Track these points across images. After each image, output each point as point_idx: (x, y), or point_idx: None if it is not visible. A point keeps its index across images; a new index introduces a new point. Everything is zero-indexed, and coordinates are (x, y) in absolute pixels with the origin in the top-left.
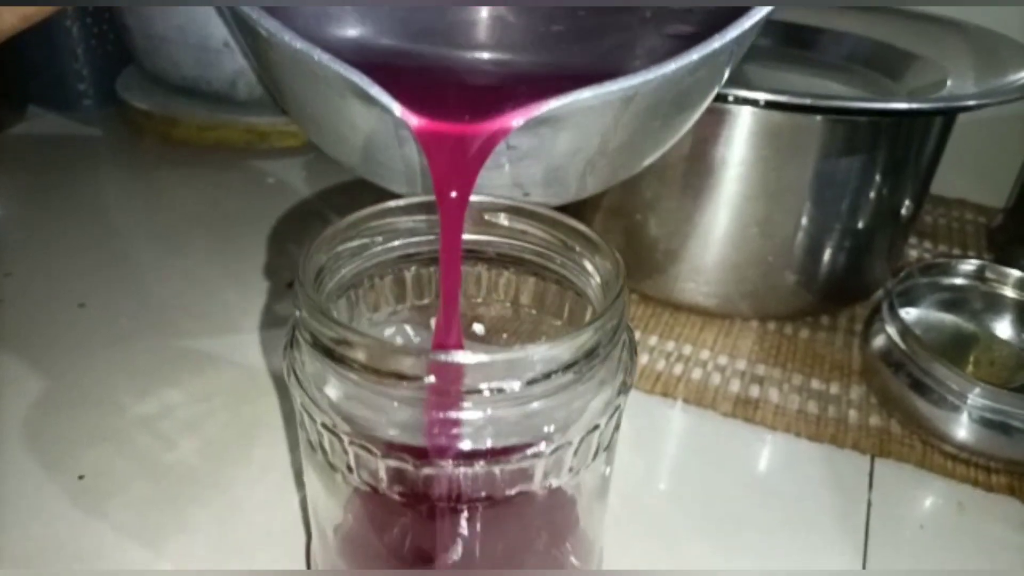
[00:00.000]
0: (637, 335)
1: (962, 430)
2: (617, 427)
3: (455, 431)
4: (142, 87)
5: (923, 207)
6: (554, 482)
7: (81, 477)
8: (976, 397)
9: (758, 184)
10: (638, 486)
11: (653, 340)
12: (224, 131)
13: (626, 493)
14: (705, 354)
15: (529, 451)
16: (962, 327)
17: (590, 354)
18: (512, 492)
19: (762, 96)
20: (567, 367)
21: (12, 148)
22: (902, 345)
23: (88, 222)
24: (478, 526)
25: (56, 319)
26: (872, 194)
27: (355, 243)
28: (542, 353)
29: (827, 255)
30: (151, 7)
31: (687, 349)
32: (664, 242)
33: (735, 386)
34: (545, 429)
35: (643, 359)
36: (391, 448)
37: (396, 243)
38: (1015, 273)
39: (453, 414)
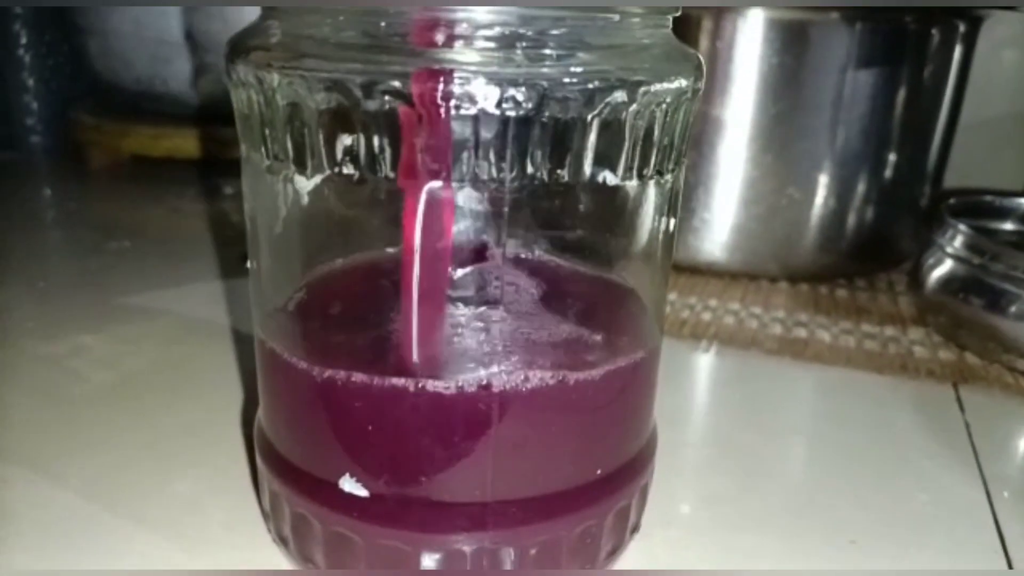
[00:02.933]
0: None
1: None
2: (687, 137)
3: None
4: (92, 106)
5: (952, 141)
6: (610, 178)
7: None
8: None
9: (777, 99)
10: (680, 433)
11: (672, 296)
12: (179, 140)
13: (675, 439)
14: (735, 305)
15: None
16: None
17: None
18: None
19: None
20: None
21: None
22: (971, 258)
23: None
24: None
25: None
26: (899, 115)
27: None
28: None
29: (856, 191)
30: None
31: (712, 302)
32: None
33: (776, 329)
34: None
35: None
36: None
37: None
38: None
39: None
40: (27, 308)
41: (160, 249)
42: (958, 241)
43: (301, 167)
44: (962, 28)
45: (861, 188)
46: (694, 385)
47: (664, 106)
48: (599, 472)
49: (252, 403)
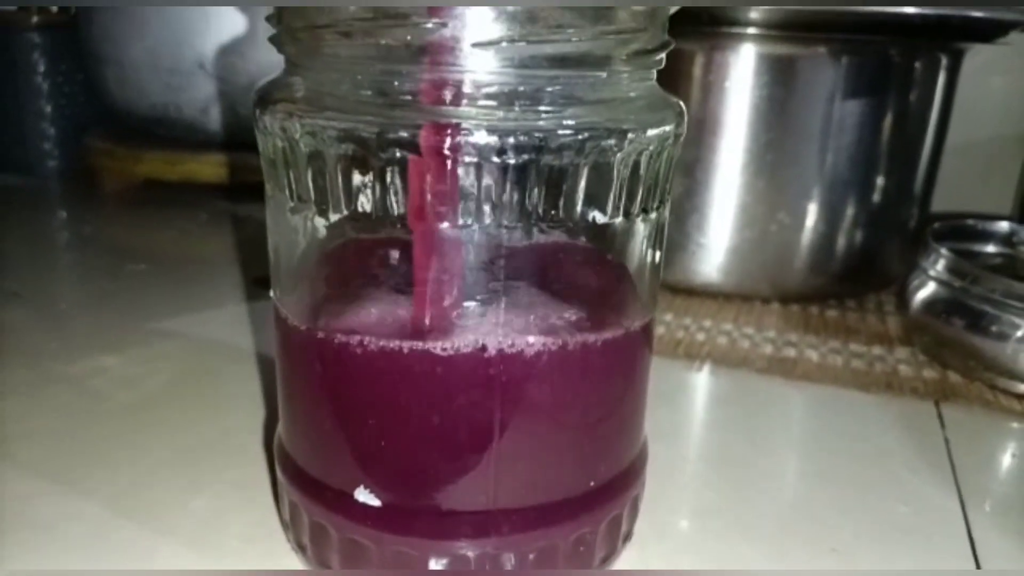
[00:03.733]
0: None
1: None
2: (671, 177)
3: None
4: (107, 131)
5: (939, 166)
6: (599, 217)
7: None
8: None
9: (767, 129)
10: (673, 448)
11: (668, 317)
12: (192, 164)
13: (666, 454)
14: (728, 326)
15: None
16: None
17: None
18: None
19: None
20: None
21: None
22: (952, 281)
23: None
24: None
25: None
26: (885, 141)
27: None
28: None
29: (845, 215)
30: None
31: (707, 323)
32: (673, 212)
33: (767, 349)
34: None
35: (659, 331)
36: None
37: None
38: None
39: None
40: (49, 330)
41: (175, 272)
42: (941, 265)
43: (321, 207)
44: (944, 60)
45: (850, 212)
46: (687, 402)
47: (649, 151)
48: (592, 484)
49: (272, 421)
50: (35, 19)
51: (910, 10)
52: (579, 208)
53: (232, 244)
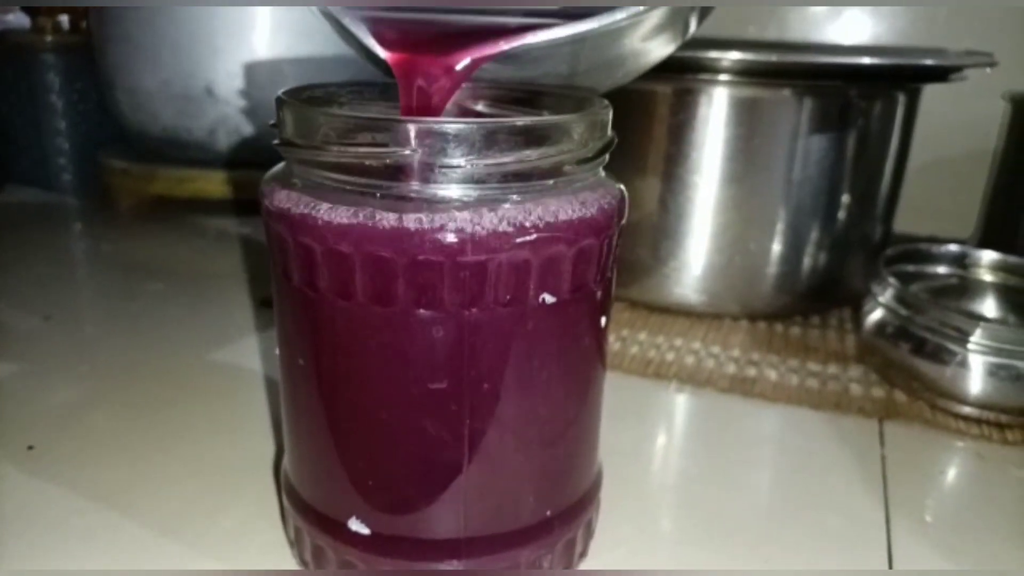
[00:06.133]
0: (624, 333)
1: (970, 384)
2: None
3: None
4: (121, 150)
5: (899, 192)
6: (548, 299)
7: (30, 447)
8: (980, 339)
9: (735, 164)
10: (641, 458)
11: (642, 335)
12: (201, 182)
13: (627, 469)
14: (696, 345)
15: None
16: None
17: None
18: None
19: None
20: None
21: None
22: (899, 308)
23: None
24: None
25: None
26: (847, 174)
27: None
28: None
29: (810, 240)
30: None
31: (678, 342)
32: (649, 239)
33: (731, 368)
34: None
35: (633, 350)
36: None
37: None
38: (992, 255)
39: None
40: (81, 353)
41: (190, 291)
42: (889, 293)
43: (313, 288)
44: (902, 97)
45: (814, 237)
46: (652, 422)
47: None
48: (548, 513)
49: (282, 450)
50: (49, 39)
51: (866, 60)
52: (532, 292)
53: (240, 259)
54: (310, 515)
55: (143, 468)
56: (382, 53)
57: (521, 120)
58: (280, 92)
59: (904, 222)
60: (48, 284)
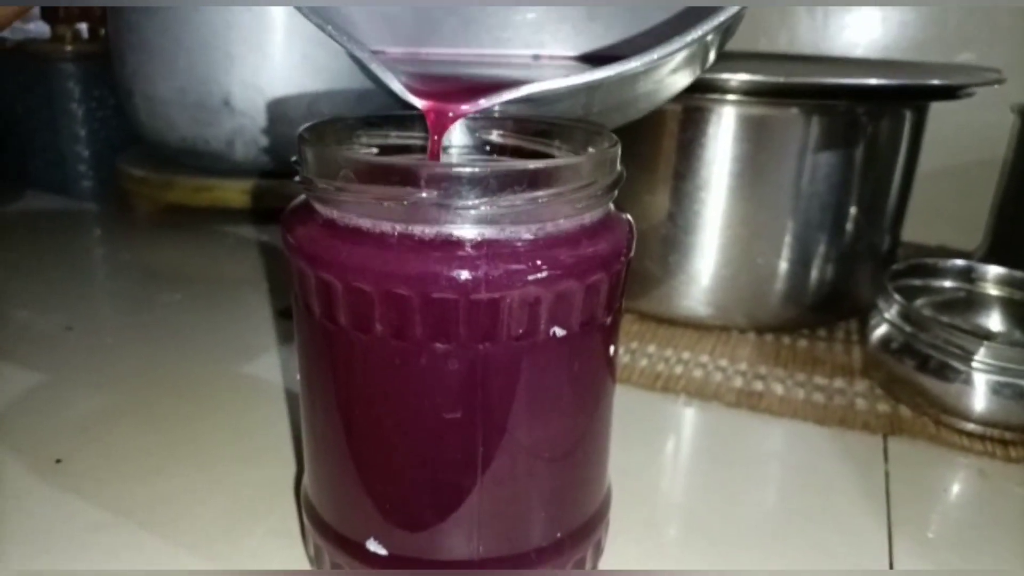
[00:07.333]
0: (634, 345)
1: (974, 401)
2: (623, 291)
3: None
4: (139, 158)
5: (907, 205)
6: (559, 332)
7: (58, 461)
8: (984, 358)
9: (743, 179)
10: (648, 474)
11: (651, 348)
12: (218, 192)
13: (636, 483)
14: (704, 358)
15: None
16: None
17: None
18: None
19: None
20: None
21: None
22: (904, 325)
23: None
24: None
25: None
26: (855, 189)
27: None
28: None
29: (817, 254)
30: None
31: (686, 355)
32: (658, 252)
33: (738, 382)
34: None
35: (642, 363)
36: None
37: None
38: (998, 270)
39: None
40: (101, 365)
41: (210, 301)
42: (894, 310)
43: (333, 321)
44: (909, 114)
45: (822, 250)
46: (660, 437)
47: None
48: (559, 534)
49: (302, 469)
50: (68, 48)
51: (873, 81)
52: (543, 327)
53: (259, 267)
54: (330, 535)
55: (167, 484)
56: (417, 103)
57: (532, 164)
58: (301, 128)
59: (912, 231)
60: (69, 292)
